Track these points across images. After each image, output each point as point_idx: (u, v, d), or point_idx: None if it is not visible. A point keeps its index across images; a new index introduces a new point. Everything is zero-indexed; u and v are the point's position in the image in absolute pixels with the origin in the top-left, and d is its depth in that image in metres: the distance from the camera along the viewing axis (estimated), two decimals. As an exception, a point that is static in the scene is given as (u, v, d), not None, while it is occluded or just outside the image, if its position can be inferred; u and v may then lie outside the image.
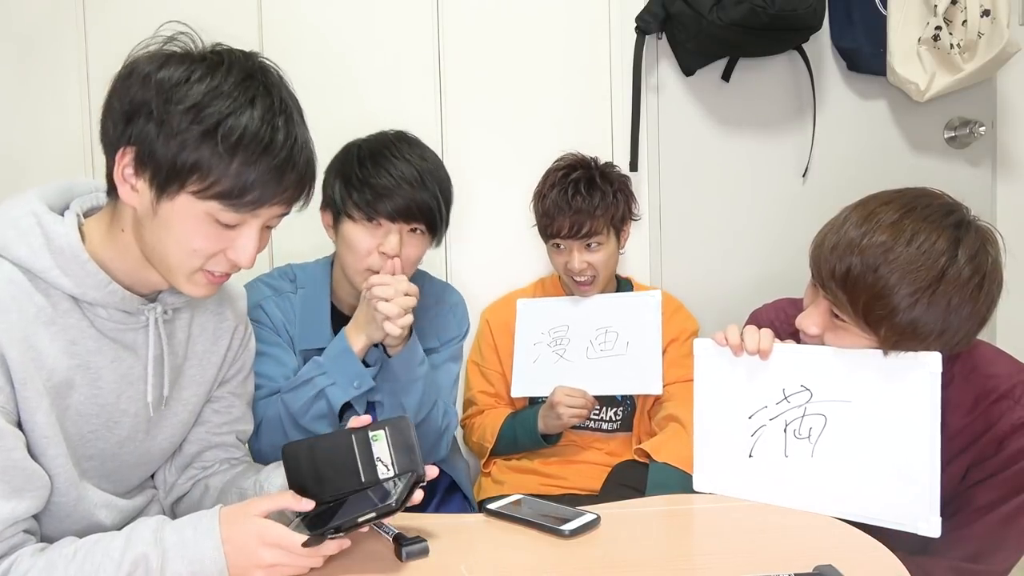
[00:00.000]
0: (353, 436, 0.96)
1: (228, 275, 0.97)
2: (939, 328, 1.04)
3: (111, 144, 0.90)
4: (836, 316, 1.12)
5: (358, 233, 1.35)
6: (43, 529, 0.94)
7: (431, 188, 1.37)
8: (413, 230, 1.37)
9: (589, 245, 1.65)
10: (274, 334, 1.42)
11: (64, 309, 0.91)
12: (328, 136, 1.81)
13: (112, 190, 0.93)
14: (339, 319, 1.44)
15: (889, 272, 1.03)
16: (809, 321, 1.15)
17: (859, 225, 1.08)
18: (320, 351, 1.36)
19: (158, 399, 1.01)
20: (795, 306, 1.41)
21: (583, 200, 1.62)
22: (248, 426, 1.20)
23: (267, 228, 0.96)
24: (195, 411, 1.10)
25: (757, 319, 1.46)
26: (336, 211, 1.39)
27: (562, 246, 1.67)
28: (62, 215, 0.94)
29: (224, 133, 0.85)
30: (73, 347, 0.92)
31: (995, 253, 1.09)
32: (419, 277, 1.57)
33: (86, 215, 0.97)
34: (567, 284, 1.74)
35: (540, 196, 1.70)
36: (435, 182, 1.38)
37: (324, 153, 1.86)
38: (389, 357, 1.35)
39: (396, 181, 1.33)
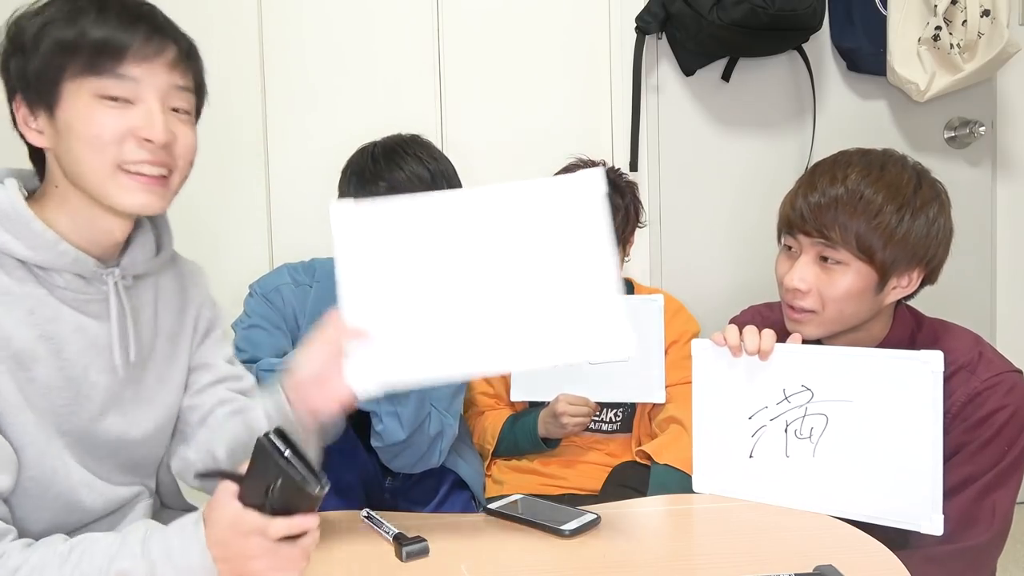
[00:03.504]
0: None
1: (161, 172, 0.94)
2: (924, 244, 1.14)
3: (10, 110, 0.94)
4: (825, 260, 1.16)
5: None
6: (21, 511, 0.91)
7: (440, 186, 1.42)
8: None
9: None
10: (279, 317, 1.46)
11: (19, 278, 0.90)
12: (327, 137, 1.81)
13: (35, 159, 0.97)
14: None
15: (874, 194, 1.13)
16: (797, 275, 1.18)
17: (829, 171, 1.18)
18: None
19: (126, 362, 0.99)
20: (770, 308, 1.42)
21: None
22: (242, 381, 1.14)
23: (175, 111, 0.95)
24: (176, 389, 1.08)
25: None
26: None
27: None
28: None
29: (63, 14, 0.90)
30: (31, 316, 0.90)
31: (945, 192, 1.20)
32: None
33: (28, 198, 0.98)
34: None
35: None
36: (445, 181, 1.44)
37: (323, 151, 1.87)
38: None
39: (408, 176, 1.39)
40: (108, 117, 0.90)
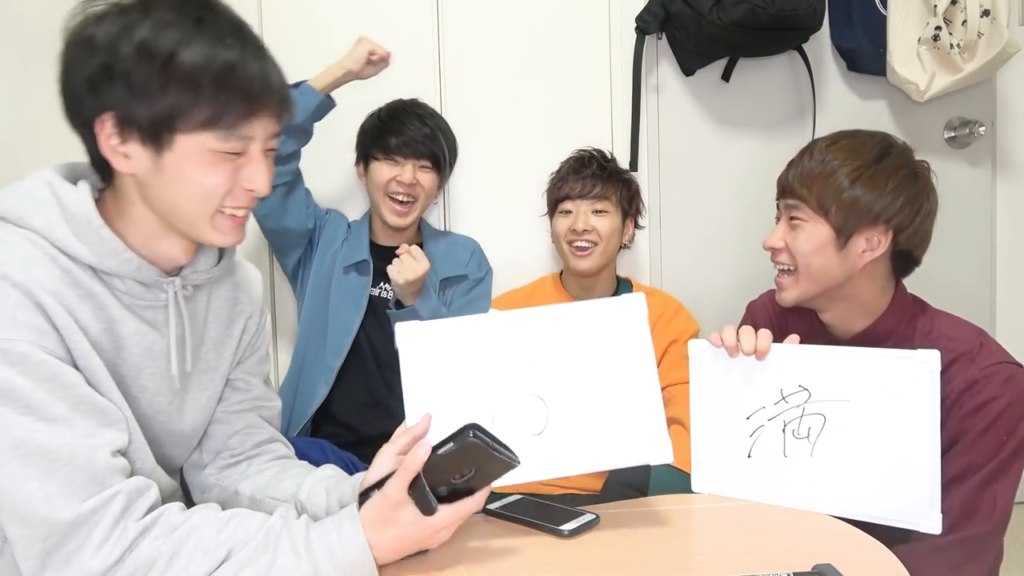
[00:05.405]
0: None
1: (247, 213, 0.97)
2: (880, 206, 1.22)
3: (85, 120, 0.90)
4: (792, 220, 1.28)
5: (380, 168, 1.77)
6: None
7: (437, 134, 1.78)
8: (423, 166, 1.77)
9: (596, 211, 1.73)
10: (323, 213, 1.88)
11: (86, 277, 0.91)
12: (327, 129, 1.81)
13: (101, 168, 0.94)
14: (373, 246, 1.84)
15: (832, 157, 1.25)
16: (773, 237, 1.31)
17: (808, 147, 1.31)
18: (359, 264, 1.80)
19: (182, 374, 1.01)
20: None
21: (598, 166, 1.76)
22: (271, 406, 1.18)
23: (269, 152, 0.96)
24: (214, 396, 1.10)
25: (753, 310, 1.51)
26: (365, 159, 1.81)
27: (570, 209, 1.74)
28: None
29: (185, 69, 0.85)
30: (100, 311, 0.92)
31: (925, 170, 1.28)
32: (441, 236, 1.94)
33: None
34: (566, 255, 1.75)
35: (556, 173, 1.82)
36: (440, 131, 1.80)
37: (321, 151, 1.86)
38: (407, 306, 1.66)
39: (412, 133, 1.75)
40: (223, 171, 0.91)
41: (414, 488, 0.89)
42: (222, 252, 1.07)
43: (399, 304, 1.70)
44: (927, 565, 1.05)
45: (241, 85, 0.88)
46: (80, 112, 0.90)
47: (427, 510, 0.89)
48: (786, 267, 1.30)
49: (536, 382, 1.00)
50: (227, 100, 0.88)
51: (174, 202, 0.92)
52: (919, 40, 2.02)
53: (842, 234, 1.23)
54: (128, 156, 0.90)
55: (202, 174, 0.90)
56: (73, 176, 0.96)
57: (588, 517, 1.05)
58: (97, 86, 0.87)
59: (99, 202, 0.95)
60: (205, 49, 0.86)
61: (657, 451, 1.01)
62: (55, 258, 0.89)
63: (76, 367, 0.88)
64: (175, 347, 0.99)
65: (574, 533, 1.02)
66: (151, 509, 0.87)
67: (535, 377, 1.00)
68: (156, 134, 0.88)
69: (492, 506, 1.10)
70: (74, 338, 0.87)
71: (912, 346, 1.18)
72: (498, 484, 0.96)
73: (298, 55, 1.78)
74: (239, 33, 0.90)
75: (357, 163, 1.85)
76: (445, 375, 0.99)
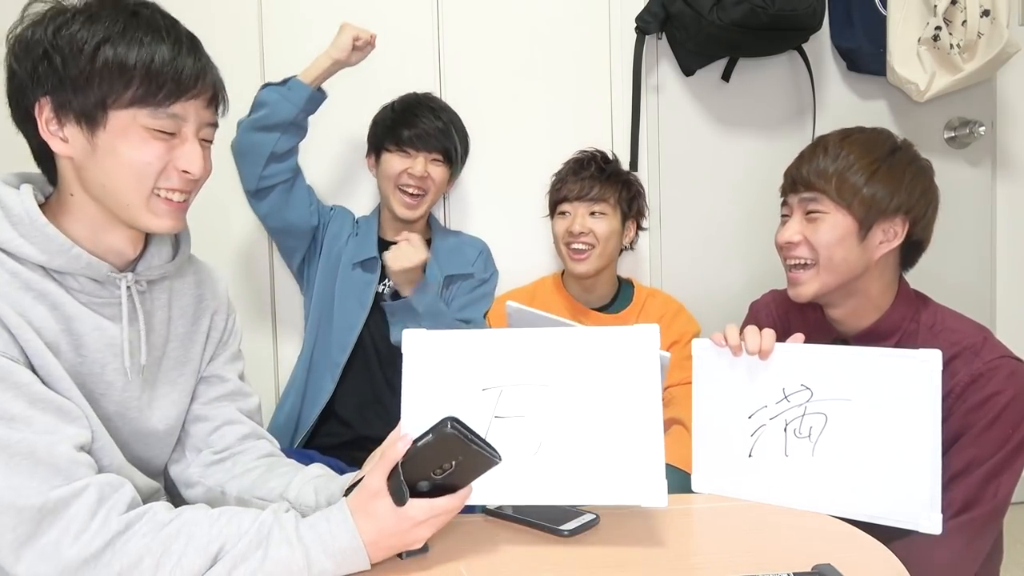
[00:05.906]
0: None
1: (186, 198, 0.99)
2: (900, 197, 1.24)
3: (27, 109, 0.93)
4: (810, 213, 1.27)
5: (392, 160, 1.76)
6: None
7: (450, 128, 1.78)
8: (435, 159, 1.76)
9: (593, 213, 1.72)
10: (327, 209, 1.87)
11: (38, 278, 0.92)
12: (326, 136, 1.81)
13: (43, 160, 0.97)
14: (381, 243, 1.83)
15: (848, 152, 1.26)
16: (788, 231, 1.30)
17: (817, 142, 1.32)
18: (367, 262, 1.79)
19: (136, 366, 1.01)
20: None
21: (597, 168, 1.75)
22: (248, 400, 1.18)
23: (205, 143, 0.99)
24: (186, 391, 1.10)
25: (756, 310, 1.51)
26: (377, 151, 1.80)
27: (568, 211, 1.73)
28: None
29: (118, 56, 0.90)
30: (56, 311, 0.92)
31: (928, 163, 1.31)
32: (451, 234, 1.94)
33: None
34: (564, 257, 1.75)
35: (556, 174, 1.81)
36: (453, 125, 1.80)
37: (322, 153, 1.86)
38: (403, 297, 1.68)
39: (423, 122, 1.75)
40: (154, 149, 0.94)
41: (391, 479, 0.90)
42: (177, 248, 1.07)
43: (395, 296, 1.70)
44: (930, 557, 1.05)
45: (173, 70, 0.92)
46: (22, 103, 0.93)
47: (399, 500, 0.89)
48: (803, 262, 1.28)
49: (534, 404, 0.98)
50: (159, 81, 0.92)
51: (109, 182, 0.93)
52: (919, 40, 2.02)
53: (863, 225, 1.24)
54: (66, 140, 0.93)
55: (133, 150, 0.93)
56: (16, 182, 0.97)
57: (588, 517, 1.05)
58: (35, 73, 0.91)
59: (45, 206, 0.97)
60: (139, 38, 0.91)
61: (651, 494, 0.96)
62: (2, 262, 0.90)
63: (32, 367, 0.88)
64: (126, 341, 0.99)
65: (574, 533, 1.01)
66: (131, 506, 0.87)
67: (534, 399, 0.98)
68: (90, 113, 0.91)
69: (492, 506, 1.10)
70: (27, 338, 0.88)
71: (916, 342, 1.19)
72: (487, 502, 0.96)
73: (298, 55, 1.79)
74: (174, 28, 0.95)
75: (368, 155, 1.84)
76: (445, 386, 0.98)
